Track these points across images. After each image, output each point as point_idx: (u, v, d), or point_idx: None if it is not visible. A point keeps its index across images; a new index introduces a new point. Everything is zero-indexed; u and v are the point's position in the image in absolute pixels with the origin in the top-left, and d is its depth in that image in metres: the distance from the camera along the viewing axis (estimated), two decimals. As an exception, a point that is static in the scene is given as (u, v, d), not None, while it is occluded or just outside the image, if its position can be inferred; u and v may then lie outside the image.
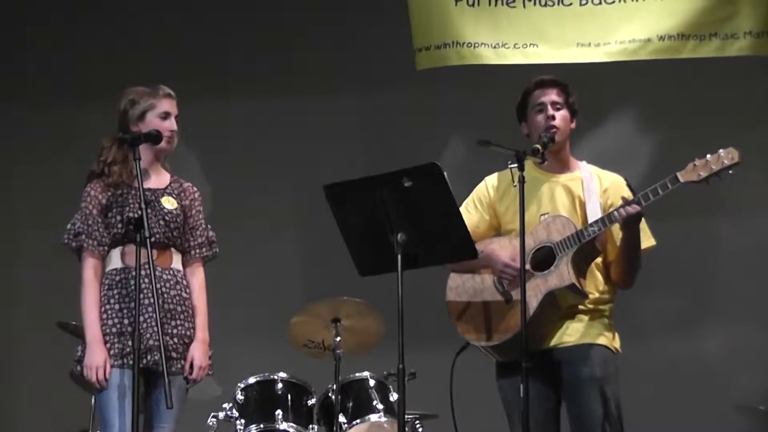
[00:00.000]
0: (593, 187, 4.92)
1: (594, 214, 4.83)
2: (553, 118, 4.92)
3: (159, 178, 4.96)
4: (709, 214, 7.09)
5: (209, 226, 5.04)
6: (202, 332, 4.88)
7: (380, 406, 5.87)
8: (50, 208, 6.53)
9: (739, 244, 7.28)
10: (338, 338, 5.88)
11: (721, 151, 4.68)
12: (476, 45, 6.46)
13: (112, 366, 4.69)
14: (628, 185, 4.73)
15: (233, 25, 7.68)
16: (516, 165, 4.69)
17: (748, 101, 7.20)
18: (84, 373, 4.73)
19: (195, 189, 5.04)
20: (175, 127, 4.91)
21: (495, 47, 6.46)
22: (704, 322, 7.26)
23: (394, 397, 5.86)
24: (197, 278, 4.94)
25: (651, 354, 6.89)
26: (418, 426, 5.97)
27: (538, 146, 4.79)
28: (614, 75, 6.55)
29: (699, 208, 6.77)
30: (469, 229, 4.91)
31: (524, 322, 4.56)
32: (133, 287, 4.71)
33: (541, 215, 4.91)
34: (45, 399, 7.34)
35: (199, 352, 4.83)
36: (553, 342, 4.83)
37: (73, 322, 5.70)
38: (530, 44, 6.43)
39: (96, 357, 4.69)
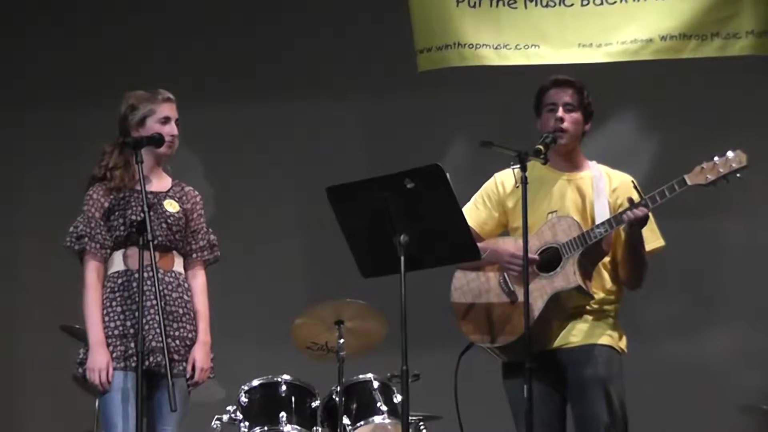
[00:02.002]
0: (602, 186, 4.91)
1: (602, 213, 4.82)
2: (562, 120, 4.91)
3: (161, 182, 4.96)
4: (712, 215, 7.07)
5: (210, 230, 5.04)
6: (204, 335, 4.88)
7: (384, 408, 5.86)
8: (52, 210, 6.52)
9: (742, 245, 7.26)
10: (341, 340, 5.88)
11: (729, 153, 4.67)
12: (478, 46, 6.45)
13: (114, 368, 4.71)
14: (635, 186, 4.72)
15: (234, 26, 7.67)
16: (518, 166, 4.69)
17: (751, 101, 7.19)
18: (86, 375, 4.75)
19: (196, 193, 5.05)
20: (175, 131, 4.91)
21: (497, 48, 6.44)
22: (708, 322, 7.25)
23: (397, 398, 5.85)
24: (199, 281, 4.95)
25: (655, 354, 6.87)
26: (422, 427, 5.96)
27: (540, 147, 4.78)
28: (616, 75, 6.54)
29: (702, 208, 6.75)
30: (476, 225, 4.96)
31: (528, 322, 4.56)
32: (135, 290, 4.72)
33: (549, 213, 4.90)
34: (49, 402, 7.34)
35: (200, 354, 4.84)
36: (558, 343, 4.83)
37: (77, 325, 5.70)
38: (532, 45, 6.42)
39: (98, 359, 4.70)
